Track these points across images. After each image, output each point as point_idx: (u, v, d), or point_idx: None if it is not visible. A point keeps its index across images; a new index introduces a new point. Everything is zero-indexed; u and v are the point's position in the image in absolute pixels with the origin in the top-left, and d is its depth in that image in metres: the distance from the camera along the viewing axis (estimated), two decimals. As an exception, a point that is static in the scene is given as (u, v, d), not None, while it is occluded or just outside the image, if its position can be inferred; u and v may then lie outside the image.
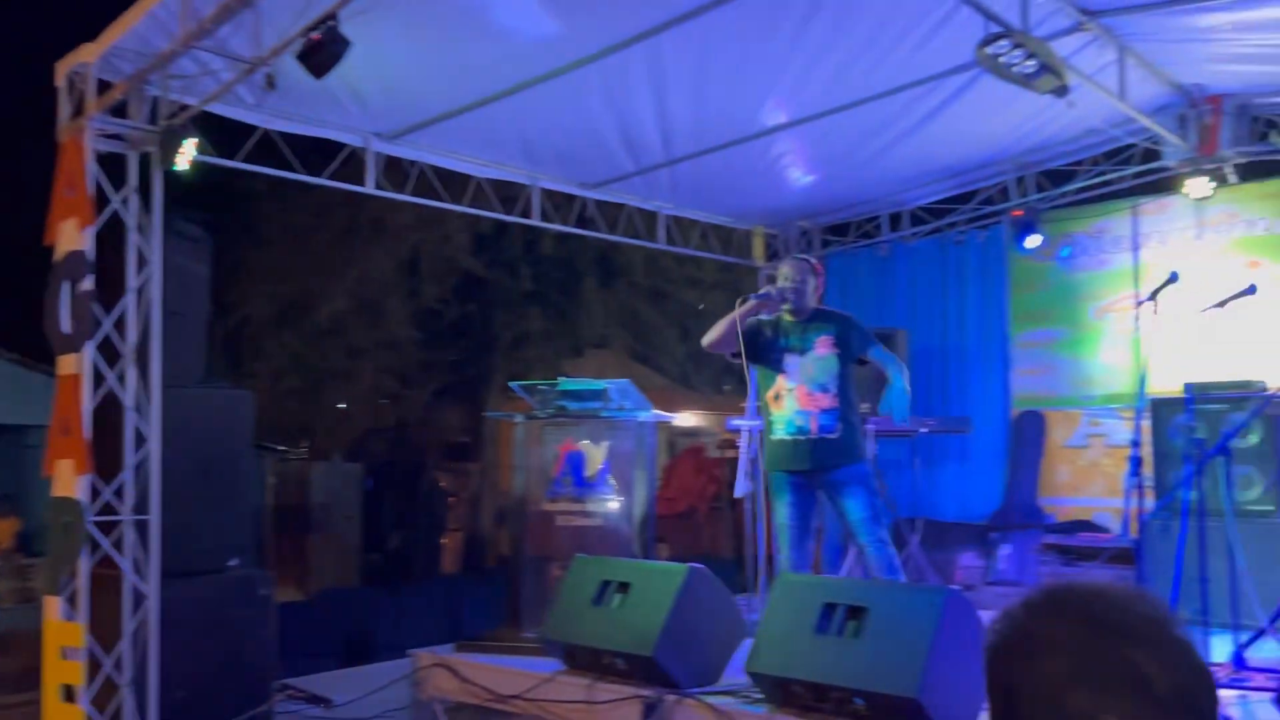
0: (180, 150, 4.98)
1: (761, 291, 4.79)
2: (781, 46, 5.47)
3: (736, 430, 5.89)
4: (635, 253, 13.52)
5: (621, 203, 7.89)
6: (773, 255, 9.20)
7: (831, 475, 4.64)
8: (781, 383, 4.73)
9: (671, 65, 5.60)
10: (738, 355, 4.77)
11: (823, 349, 4.70)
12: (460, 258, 13.66)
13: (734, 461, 6.28)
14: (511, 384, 6.01)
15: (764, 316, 4.82)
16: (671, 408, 13.39)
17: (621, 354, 15.87)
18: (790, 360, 4.72)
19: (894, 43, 5.49)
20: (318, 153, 6.18)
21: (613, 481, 5.50)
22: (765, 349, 4.82)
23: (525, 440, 5.78)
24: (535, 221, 7.34)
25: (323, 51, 4.19)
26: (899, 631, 3.64)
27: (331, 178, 6.25)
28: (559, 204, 7.68)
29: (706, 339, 4.87)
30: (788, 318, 4.83)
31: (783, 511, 4.76)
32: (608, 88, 5.86)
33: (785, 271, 4.81)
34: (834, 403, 4.63)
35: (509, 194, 7.27)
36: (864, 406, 5.24)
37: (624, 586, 4.55)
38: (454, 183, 6.92)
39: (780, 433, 4.74)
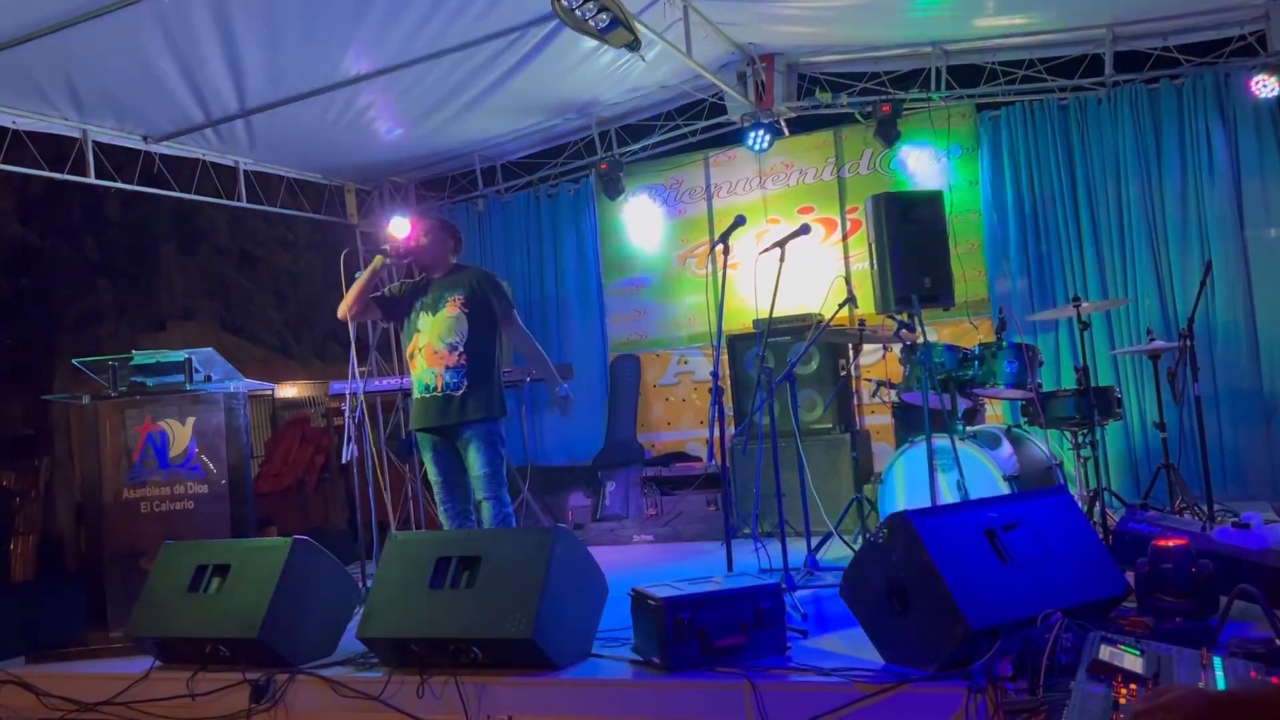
0: None
1: (381, 248, 4.76)
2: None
3: (340, 395, 5.71)
4: (218, 213, 12.56)
5: (195, 158, 7.25)
6: (367, 212, 8.93)
7: (458, 431, 4.65)
8: (416, 341, 4.74)
9: (237, 6, 5.19)
10: (385, 319, 4.81)
11: (453, 308, 4.69)
12: (5, 226, 11.95)
13: (344, 429, 6.09)
14: (75, 361, 5.35)
15: (410, 278, 4.81)
16: (272, 379, 12.65)
17: (210, 325, 14.67)
18: (424, 319, 4.72)
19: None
20: None
21: (202, 460, 5.09)
22: (404, 308, 4.81)
23: (97, 423, 5.18)
24: (92, 179, 6.55)
25: None
26: (512, 575, 3.69)
27: None
28: (122, 161, 6.90)
29: (342, 309, 4.76)
30: (432, 276, 4.82)
31: (428, 467, 4.78)
32: (166, 28, 5.32)
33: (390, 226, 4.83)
34: (460, 360, 4.62)
35: (58, 150, 6.43)
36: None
37: (222, 569, 4.24)
38: (-16, 136, 5.99)
39: (416, 390, 4.76)
